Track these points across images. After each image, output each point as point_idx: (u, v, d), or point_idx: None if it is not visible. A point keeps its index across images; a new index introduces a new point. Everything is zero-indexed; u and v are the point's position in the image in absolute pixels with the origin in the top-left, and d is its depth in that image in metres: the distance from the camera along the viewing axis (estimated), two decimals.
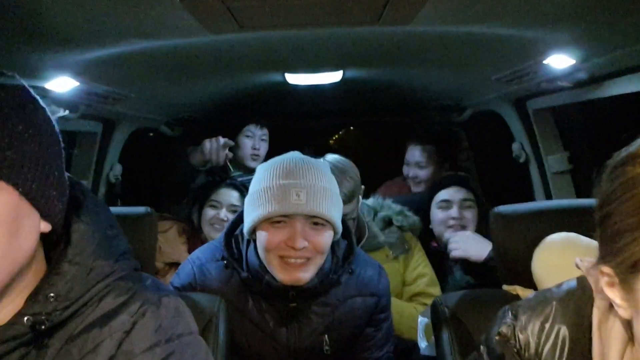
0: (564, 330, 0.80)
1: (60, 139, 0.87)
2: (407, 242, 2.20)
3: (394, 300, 1.92)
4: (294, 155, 1.55)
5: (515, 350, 0.83)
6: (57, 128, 0.86)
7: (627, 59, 1.60)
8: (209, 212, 2.45)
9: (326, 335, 1.59)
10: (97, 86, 1.95)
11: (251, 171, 2.87)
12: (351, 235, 1.68)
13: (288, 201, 1.41)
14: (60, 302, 0.83)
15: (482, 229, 2.31)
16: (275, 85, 2.55)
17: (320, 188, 1.45)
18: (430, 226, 2.44)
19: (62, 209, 0.85)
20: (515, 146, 2.75)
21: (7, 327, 0.80)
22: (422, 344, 1.92)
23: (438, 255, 2.37)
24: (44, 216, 0.82)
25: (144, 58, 1.67)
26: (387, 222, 2.23)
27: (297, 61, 2.10)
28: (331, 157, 2.09)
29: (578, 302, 0.81)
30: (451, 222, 2.36)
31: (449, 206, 2.39)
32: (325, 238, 1.48)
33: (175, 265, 2.29)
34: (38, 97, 0.85)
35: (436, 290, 2.15)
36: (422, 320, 1.91)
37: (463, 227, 2.35)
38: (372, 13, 1.32)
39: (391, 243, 2.16)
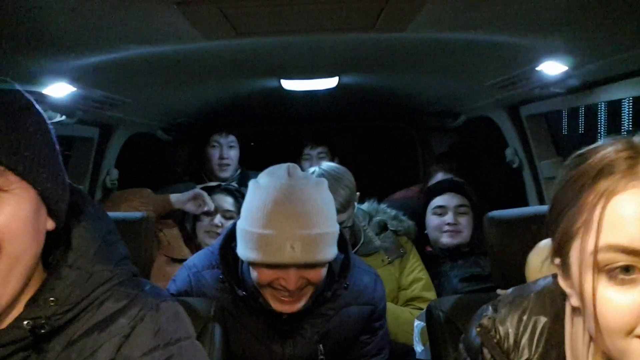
0: (540, 321, 0.86)
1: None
2: (402, 246, 2.21)
3: (389, 305, 1.92)
4: (287, 186, 1.42)
5: (495, 341, 0.89)
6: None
7: (618, 65, 1.62)
8: (204, 220, 2.44)
9: (320, 345, 1.59)
10: (94, 92, 1.95)
11: (224, 180, 2.86)
12: (348, 248, 1.63)
13: (282, 253, 1.36)
14: (60, 306, 0.83)
15: (478, 235, 2.32)
16: (271, 91, 2.56)
17: (315, 235, 1.37)
18: (426, 231, 2.46)
19: (65, 208, 0.87)
20: (508, 151, 2.77)
21: (7, 330, 0.80)
22: (418, 348, 1.92)
23: (433, 259, 2.39)
24: (52, 215, 0.85)
25: (140, 64, 1.68)
26: (382, 227, 2.24)
27: (292, 67, 2.12)
28: (326, 165, 2.10)
29: (553, 295, 0.87)
30: (446, 228, 2.38)
31: (444, 212, 2.40)
32: (322, 273, 1.45)
33: (180, 261, 2.28)
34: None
35: (431, 295, 2.16)
36: (419, 324, 1.92)
37: (458, 233, 2.37)
38: (367, 19, 1.33)
39: (386, 248, 2.17)
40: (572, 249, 0.76)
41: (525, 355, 0.86)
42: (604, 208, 0.71)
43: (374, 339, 1.70)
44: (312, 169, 2.10)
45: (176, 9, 1.15)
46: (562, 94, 1.98)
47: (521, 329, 0.87)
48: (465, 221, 2.39)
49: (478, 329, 0.91)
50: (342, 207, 1.96)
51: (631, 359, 0.70)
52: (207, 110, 3.04)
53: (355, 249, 2.09)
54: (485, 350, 0.91)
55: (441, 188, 2.49)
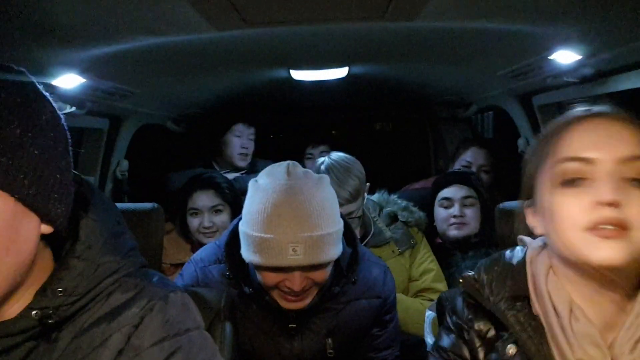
0: (507, 267, 1.06)
1: (68, 136, 0.86)
2: (413, 237, 2.20)
3: (399, 296, 1.92)
4: (287, 187, 1.39)
5: (475, 288, 1.07)
6: (65, 125, 0.85)
7: (633, 54, 1.60)
8: (193, 222, 2.35)
9: (329, 339, 1.58)
10: (104, 83, 1.95)
11: (239, 169, 2.87)
12: (356, 242, 1.62)
13: (285, 256, 1.34)
14: (67, 296, 0.84)
15: (488, 226, 2.30)
16: (281, 82, 2.56)
17: (318, 237, 1.35)
18: (434, 223, 2.44)
19: (65, 210, 0.84)
20: (520, 142, 2.74)
21: (16, 320, 0.82)
22: (429, 339, 1.91)
23: (444, 251, 2.38)
24: (44, 220, 0.81)
25: (150, 55, 1.68)
26: (393, 218, 2.23)
27: (302, 57, 2.11)
28: (336, 155, 2.09)
29: (519, 252, 1.08)
30: (452, 221, 2.36)
31: (450, 204, 2.38)
32: (326, 272, 1.44)
33: (180, 266, 2.26)
34: (46, 94, 0.84)
35: (442, 286, 2.15)
36: (430, 315, 1.91)
37: (464, 225, 2.35)
38: (377, 8, 1.32)
39: (397, 238, 2.16)
40: (537, 178, 0.97)
41: (500, 295, 1.03)
42: (561, 137, 0.93)
43: (385, 332, 1.69)
44: (321, 159, 2.10)
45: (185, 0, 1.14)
46: (575, 84, 1.96)
47: (494, 275, 1.05)
48: (471, 213, 2.36)
49: (461, 281, 1.10)
50: (352, 197, 1.96)
51: (586, 250, 0.86)
52: (217, 101, 3.04)
53: (366, 240, 2.09)
54: (467, 296, 1.09)
55: (448, 180, 2.46)
